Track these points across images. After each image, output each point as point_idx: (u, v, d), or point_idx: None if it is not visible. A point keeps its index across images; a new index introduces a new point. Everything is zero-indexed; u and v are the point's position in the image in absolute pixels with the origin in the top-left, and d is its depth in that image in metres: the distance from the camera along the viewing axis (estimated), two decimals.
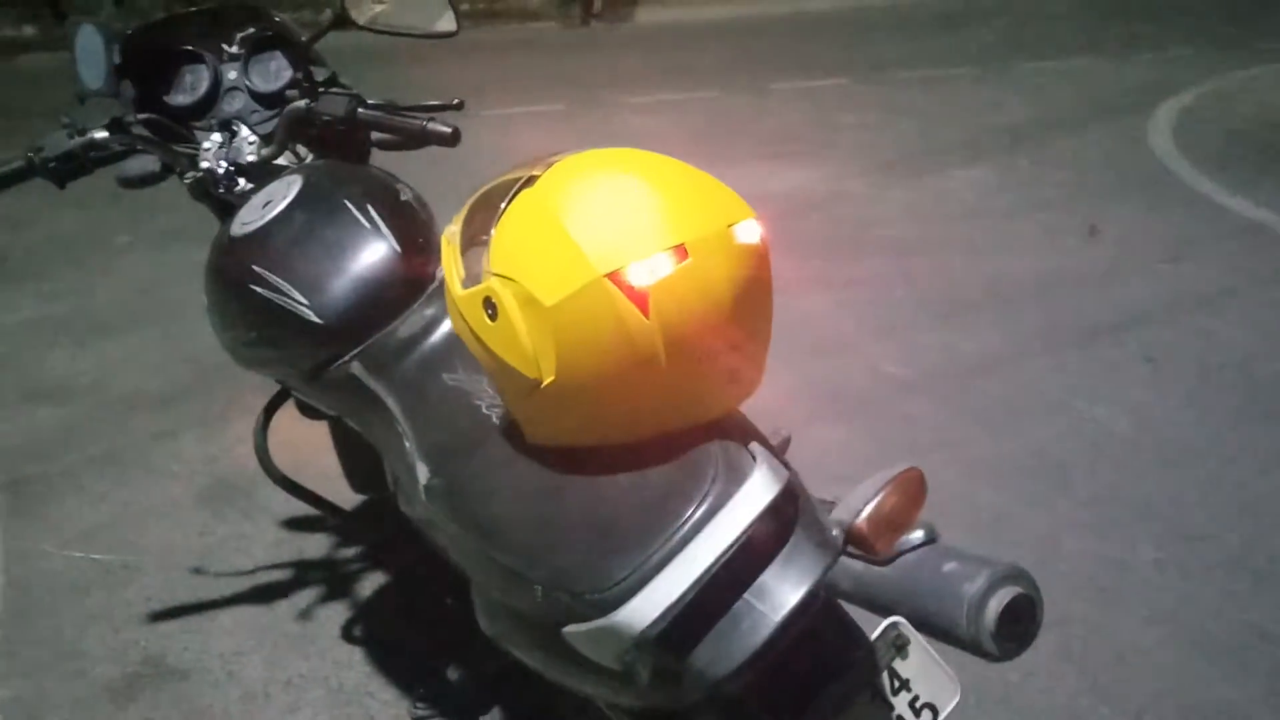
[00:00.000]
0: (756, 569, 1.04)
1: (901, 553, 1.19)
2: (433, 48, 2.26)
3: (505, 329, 1.10)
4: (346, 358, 1.54)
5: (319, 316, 1.53)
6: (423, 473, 1.36)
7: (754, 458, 1.08)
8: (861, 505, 1.14)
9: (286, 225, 1.59)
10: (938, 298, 4.13)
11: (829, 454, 2.91)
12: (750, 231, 1.10)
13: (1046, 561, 2.53)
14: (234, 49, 1.94)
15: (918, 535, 1.20)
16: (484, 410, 1.35)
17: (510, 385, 1.16)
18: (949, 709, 1.20)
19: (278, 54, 1.98)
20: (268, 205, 1.63)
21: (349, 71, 1.95)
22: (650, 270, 1.04)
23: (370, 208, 1.60)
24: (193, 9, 2.04)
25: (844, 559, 1.16)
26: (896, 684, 1.18)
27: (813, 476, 1.19)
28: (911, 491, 1.16)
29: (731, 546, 1.00)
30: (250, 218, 1.63)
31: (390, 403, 1.48)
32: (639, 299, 1.04)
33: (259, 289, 1.55)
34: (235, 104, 1.92)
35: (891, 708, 1.17)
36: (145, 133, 1.78)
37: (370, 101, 1.74)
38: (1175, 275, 4.32)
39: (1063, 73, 8.26)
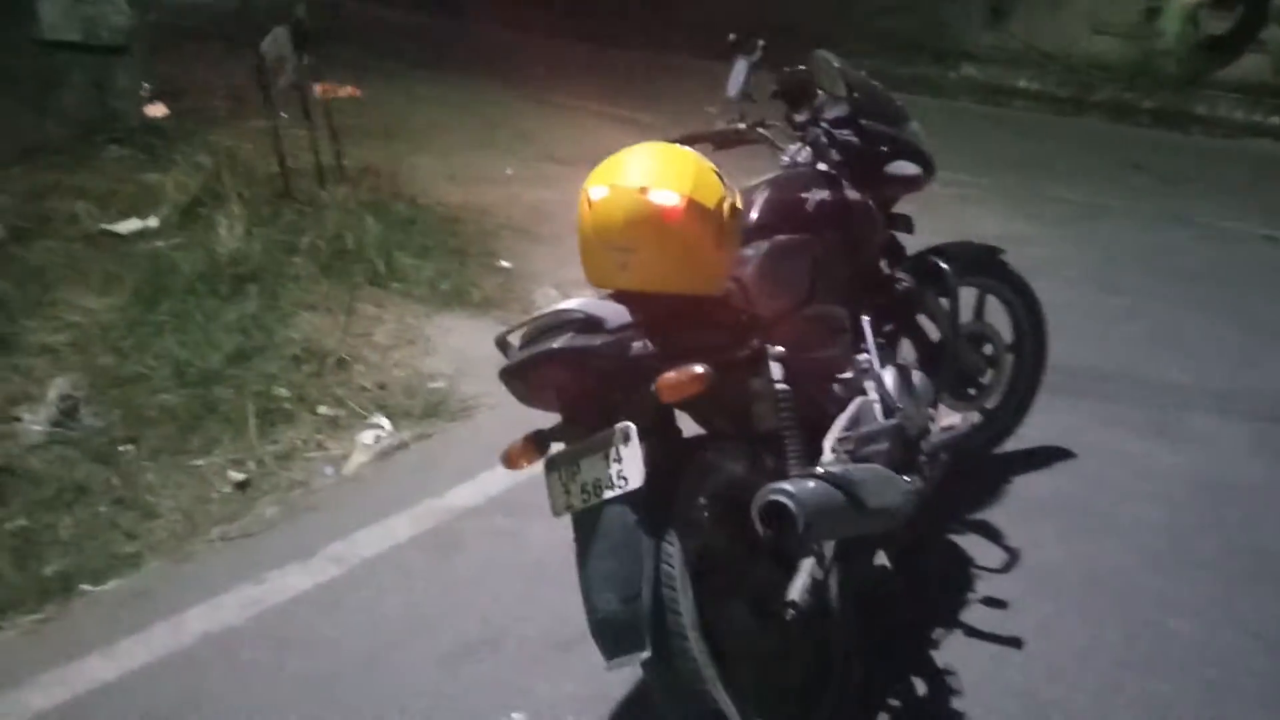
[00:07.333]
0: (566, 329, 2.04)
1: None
2: None
3: None
4: None
5: None
6: None
7: (604, 315, 2.05)
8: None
9: None
10: None
11: None
12: (663, 197, 2.04)
13: None
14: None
15: None
16: None
17: None
18: (632, 486, 1.96)
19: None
20: None
21: None
22: (596, 191, 2.10)
23: None
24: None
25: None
26: (616, 455, 1.99)
27: None
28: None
29: (563, 315, 2.06)
30: None
31: None
32: (590, 203, 2.09)
33: None
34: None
35: (607, 465, 1.99)
36: (763, 133, 2.92)
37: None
38: None
39: None
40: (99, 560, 2.92)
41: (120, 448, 3.40)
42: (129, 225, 5.04)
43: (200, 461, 3.40)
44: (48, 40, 6.38)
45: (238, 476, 3.33)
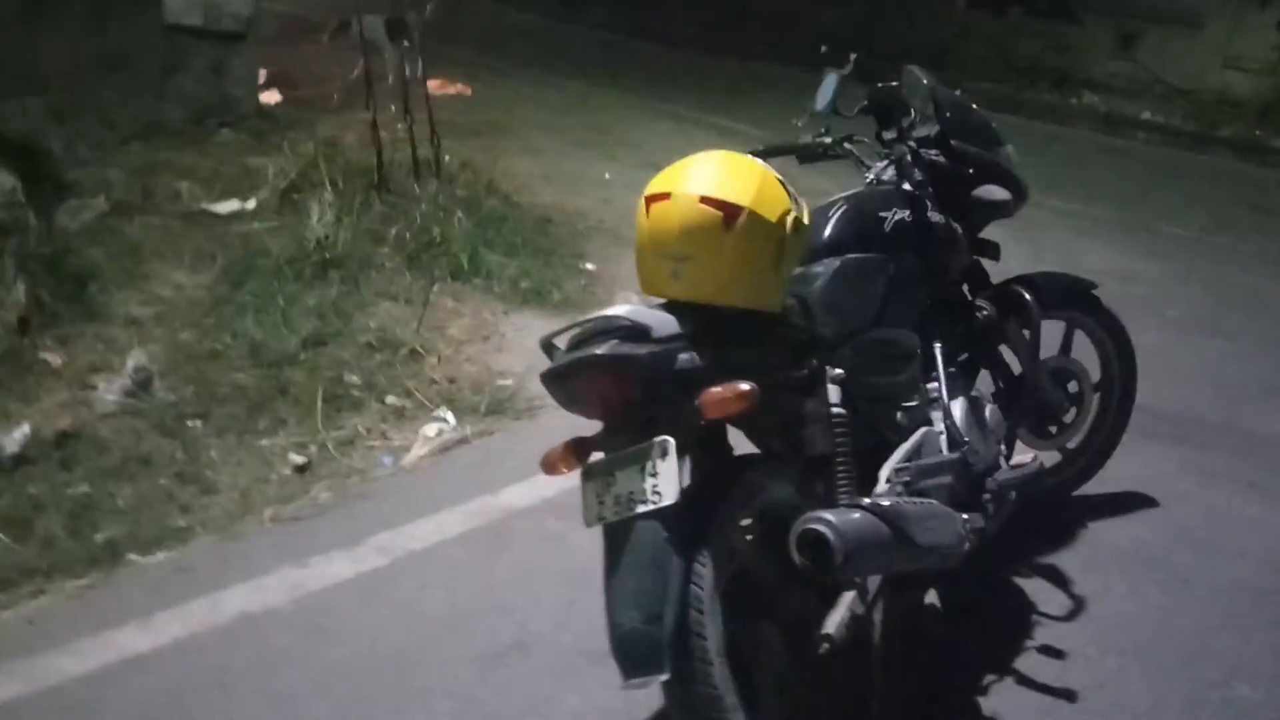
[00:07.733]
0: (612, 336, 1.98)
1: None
2: None
3: None
4: None
5: None
6: None
7: (651, 323, 1.99)
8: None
9: None
10: None
11: None
12: (722, 207, 1.96)
13: None
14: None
15: None
16: None
17: None
18: (666, 502, 1.89)
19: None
20: None
21: None
22: (654, 198, 2.03)
23: None
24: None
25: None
26: (652, 469, 1.90)
27: None
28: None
29: (610, 321, 2.00)
30: None
31: None
32: (648, 210, 2.03)
33: None
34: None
35: (642, 479, 1.91)
36: (849, 149, 2.87)
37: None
38: None
39: None
40: (150, 532, 2.95)
41: (188, 422, 3.45)
42: (227, 206, 5.17)
43: (264, 441, 3.43)
44: (172, 25, 6.58)
45: (298, 459, 3.35)
